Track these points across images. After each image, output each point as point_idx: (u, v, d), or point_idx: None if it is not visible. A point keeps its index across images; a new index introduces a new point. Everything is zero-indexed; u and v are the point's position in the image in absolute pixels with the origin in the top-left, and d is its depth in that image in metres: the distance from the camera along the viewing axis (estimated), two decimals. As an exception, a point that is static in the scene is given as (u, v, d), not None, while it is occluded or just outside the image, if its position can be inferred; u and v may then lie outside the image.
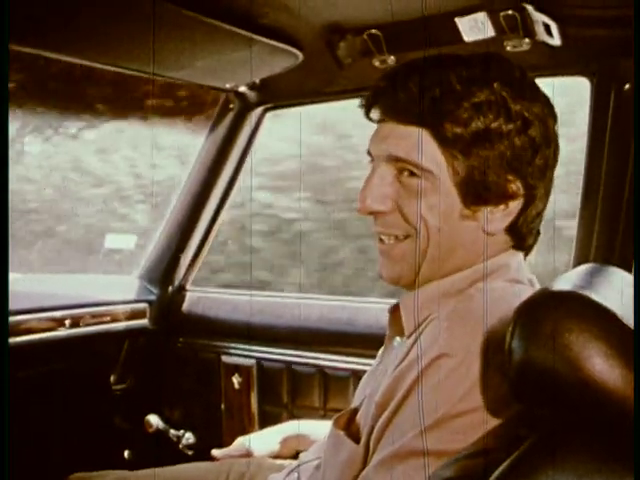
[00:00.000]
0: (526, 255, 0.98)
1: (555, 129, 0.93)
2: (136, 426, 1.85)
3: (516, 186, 0.90)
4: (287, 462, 1.30)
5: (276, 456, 1.34)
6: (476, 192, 0.89)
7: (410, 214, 0.90)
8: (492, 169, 0.88)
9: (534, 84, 0.93)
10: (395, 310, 0.98)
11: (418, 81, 0.88)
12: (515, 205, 0.90)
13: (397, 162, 0.90)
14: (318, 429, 1.32)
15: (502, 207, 0.90)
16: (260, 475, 1.26)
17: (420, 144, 0.89)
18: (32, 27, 1.29)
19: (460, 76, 0.88)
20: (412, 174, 0.89)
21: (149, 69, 1.57)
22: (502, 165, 0.88)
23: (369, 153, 0.96)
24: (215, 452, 1.37)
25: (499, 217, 0.91)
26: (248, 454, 1.34)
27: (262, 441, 1.36)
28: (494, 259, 0.92)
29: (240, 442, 1.38)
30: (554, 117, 0.93)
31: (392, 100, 0.90)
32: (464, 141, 0.87)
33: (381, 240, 0.94)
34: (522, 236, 0.94)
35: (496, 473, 0.66)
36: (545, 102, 0.92)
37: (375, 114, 0.93)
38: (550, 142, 0.92)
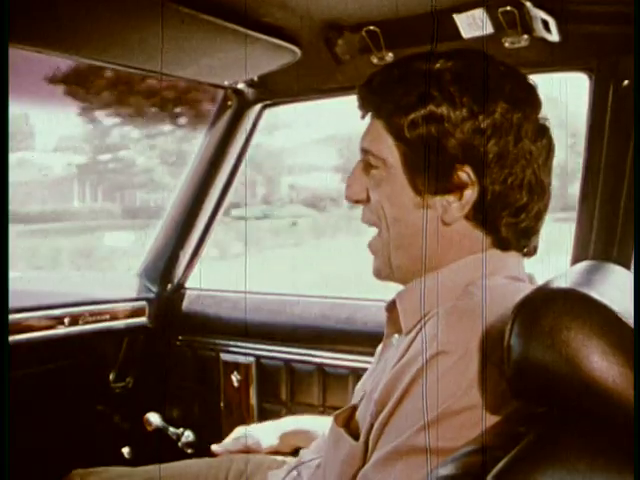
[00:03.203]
0: (528, 256, 0.97)
1: (521, 119, 0.90)
2: (135, 424, 1.85)
3: (466, 174, 0.90)
4: (288, 458, 1.30)
5: (274, 451, 1.34)
6: (424, 180, 0.91)
7: (374, 204, 0.96)
8: (436, 157, 0.90)
9: (511, 76, 0.92)
10: (392, 307, 0.98)
11: (380, 77, 0.95)
12: (470, 194, 0.90)
13: (365, 155, 0.96)
14: (317, 425, 1.32)
15: (457, 196, 0.91)
16: (259, 473, 1.26)
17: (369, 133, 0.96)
18: (38, 27, 1.29)
19: (415, 70, 0.92)
20: (372, 165, 0.95)
21: (152, 67, 1.57)
22: (447, 154, 0.89)
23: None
24: (214, 447, 1.37)
25: (456, 207, 0.91)
26: (246, 449, 1.34)
27: (261, 435, 1.36)
28: (485, 254, 0.92)
29: (238, 435, 1.37)
30: (524, 109, 0.91)
31: (362, 96, 0.98)
32: (406, 130, 0.91)
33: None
34: (497, 230, 0.92)
35: (494, 470, 0.65)
36: (511, 95, 0.90)
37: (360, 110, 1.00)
38: (507, 132, 0.89)
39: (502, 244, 0.93)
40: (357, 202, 0.98)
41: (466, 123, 0.89)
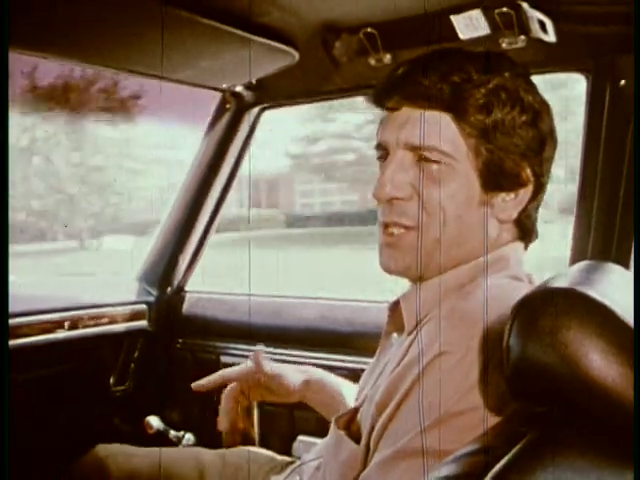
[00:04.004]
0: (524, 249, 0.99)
1: (554, 124, 0.96)
2: (136, 427, 1.85)
3: (527, 174, 0.92)
4: (288, 459, 1.30)
5: (286, 393, 1.24)
6: (494, 177, 0.91)
7: (429, 201, 0.90)
8: (509, 155, 0.90)
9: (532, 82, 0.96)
10: (395, 307, 0.98)
11: (438, 68, 0.90)
12: (525, 193, 0.93)
13: (417, 149, 0.91)
14: (346, 391, 1.21)
15: (513, 195, 0.93)
16: (260, 474, 1.26)
17: (424, 128, 0.90)
18: (37, 31, 1.29)
19: (476, 66, 0.90)
20: (432, 160, 0.90)
21: (152, 71, 1.57)
22: (517, 152, 0.91)
23: (379, 144, 0.95)
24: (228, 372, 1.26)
25: (511, 205, 0.93)
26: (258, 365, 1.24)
27: (283, 368, 1.26)
28: (496, 251, 0.93)
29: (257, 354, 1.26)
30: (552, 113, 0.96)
31: (413, 86, 0.91)
32: (485, 127, 0.89)
33: (388, 230, 0.93)
34: (526, 227, 0.96)
35: (495, 469, 0.65)
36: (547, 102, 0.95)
37: (391, 102, 0.94)
38: (553, 135, 0.95)
39: (527, 237, 0.97)
40: (393, 200, 0.92)
41: (531, 125, 0.91)
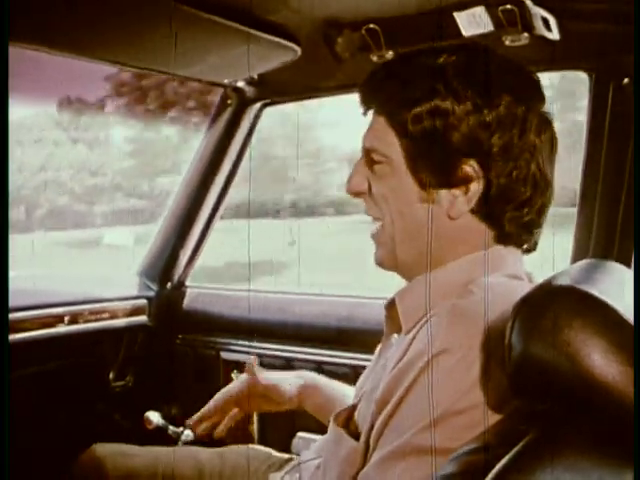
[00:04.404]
0: (528, 252, 0.97)
1: (525, 112, 0.90)
2: (135, 423, 1.85)
3: (471, 168, 0.89)
4: (286, 456, 1.30)
5: (283, 400, 1.26)
6: (430, 175, 0.90)
7: (377, 196, 0.95)
8: (443, 151, 0.89)
9: (514, 70, 0.93)
10: (391, 306, 0.98)
11: (382, 73, 0.95)
12: (475, 188, 0.90)
13: (368, 152, 0.96)
14: (339, 396, 1.23)
15: (463, 190, 0.90)
16: (259, 472, 1.26)
17: (371, 131, 0.95)
18: (46, 27, 1.30)
19: (418, 65, 0.92)
20: (374, 160, 0.94)
21: (158, 67, 1.57)
22: (451, 147, 0.89)
23: None
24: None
25: (461, 201, 0.90)
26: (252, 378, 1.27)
27: (278, 377, 1.29)
28: (488, 252, 0.92)
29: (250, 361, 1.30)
30: (527, 102, 0.90)
31: (364, 92, 0.97)
32: (410, 125, 0.90)
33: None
34: (501, 224, 0.92)
35: (496, 468, 0.66)
36: (515, 89, 0.90)
37: (362, 107, 0.99)
38: (512, 125, 0.89)
39: (505, 239, 0.93)
40: (357, 194, 0.97)
41: (471, 117, 0.88)
